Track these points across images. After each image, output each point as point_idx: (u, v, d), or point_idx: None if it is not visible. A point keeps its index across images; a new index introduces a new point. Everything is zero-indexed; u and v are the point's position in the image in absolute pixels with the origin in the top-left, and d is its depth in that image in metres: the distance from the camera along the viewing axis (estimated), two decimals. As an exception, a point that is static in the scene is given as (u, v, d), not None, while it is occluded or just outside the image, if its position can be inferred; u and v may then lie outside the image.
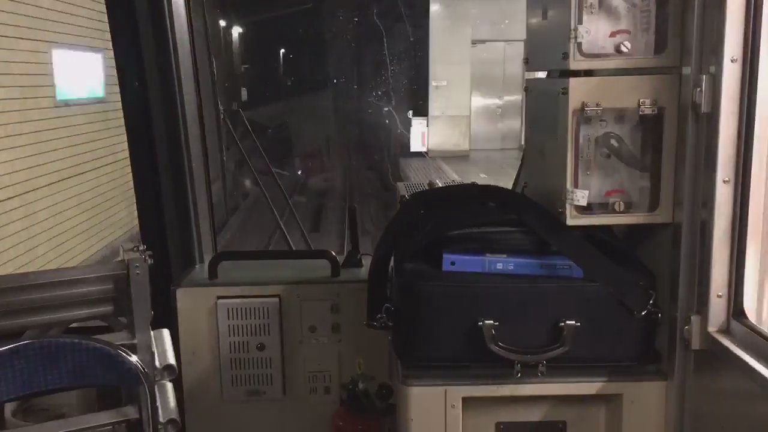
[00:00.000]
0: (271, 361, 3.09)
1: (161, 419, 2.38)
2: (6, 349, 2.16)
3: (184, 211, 3.36)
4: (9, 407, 2.69)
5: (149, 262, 2.47)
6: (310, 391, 3.14)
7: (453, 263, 2.30)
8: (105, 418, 2.35)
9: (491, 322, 2.20)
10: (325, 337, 3.09)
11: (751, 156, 1.92)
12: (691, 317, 2.07)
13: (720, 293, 2.00)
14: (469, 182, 3.09)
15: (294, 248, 4.59)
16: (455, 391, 2.25)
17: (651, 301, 2.20)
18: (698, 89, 1.98)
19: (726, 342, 1.97)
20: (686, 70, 2.06)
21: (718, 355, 1.99)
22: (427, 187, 3.25)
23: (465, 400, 2.26)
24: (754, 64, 1.89)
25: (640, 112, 2.14)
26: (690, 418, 2.16)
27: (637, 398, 2.25)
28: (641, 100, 2.12)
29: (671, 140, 2.14)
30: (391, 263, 2.50)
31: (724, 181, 1.96)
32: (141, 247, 2.50)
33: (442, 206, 2.59)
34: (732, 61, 1.90)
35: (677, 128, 2.12)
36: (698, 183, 2.05)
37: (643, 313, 2.20)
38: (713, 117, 1.96)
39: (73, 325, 2.60)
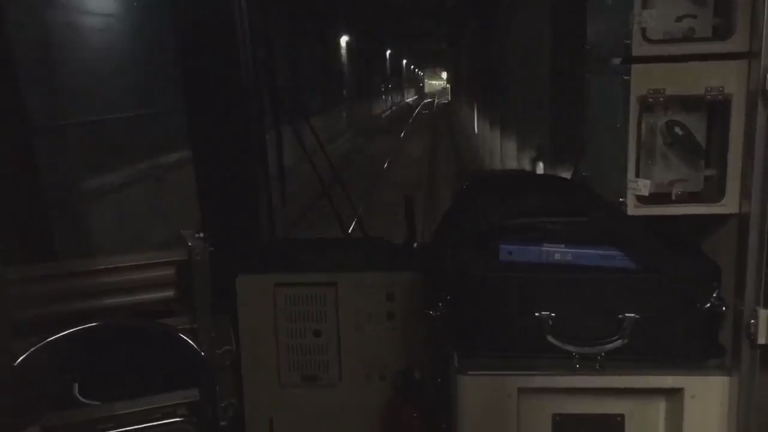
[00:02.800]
0: (327, 348, 3.12)
1: (220, 402, 2.43)
2: (74, 331, 2.24)
3: (246, 199, 3.41)
4: (77, 387, 2.79)
5: (210, 248, 2.51)
6: (365, 378, 3.16)
7: (510, 253, 2.28)
8: (167, 399, 2.42)
9: (549, 313, 2.18)
10: (380, 325, 3.10)
11: None
12: (758, 311, 2.01)
13: None
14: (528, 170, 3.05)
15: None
16: (511, 381, 2.23)
17: (715, 294, 2.14)
18: None
19: None
20: (756, 56, 1.98)
21: None
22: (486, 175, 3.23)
23: (521, 390, 2.24)
24: None
25: (706, 99, 2.08)
26: (755, 414, 2.10)
27: (700, 393, 2.19)
28: (708, 87, 2.06)
29: (739, 128, 2.07)
30: (449, 252, 2.49)
31: None
32: (203, 234, 2.55)
33: (500, 194, 2.56)
34: None
35: (745, 116, 2.05)
36: (767, 173, 1.98)
37: (706, 306, 2.15)
38: None
39: (138, 309, 2.67)
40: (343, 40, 29.03)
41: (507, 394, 2.23)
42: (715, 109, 2.11)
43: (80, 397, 2.53)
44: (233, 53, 3.23)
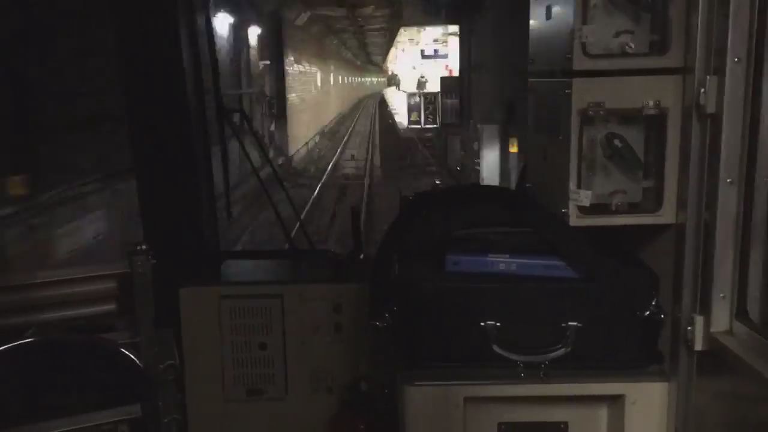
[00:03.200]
0: (273, 361, 3.09)
1: (164, 418, 2.38)
2: (10, 347, 2.17)
3: (188, 211, 3.36)
4: (13, 405, 2.70)
5: (152, 261, 2.47)
6: (312, 391, 3.14)
7: (456, 263, 2.30)
8: (108, 416, 2.36)
9: (494, 322, 2.20)
10: (327, 337, 3.09)
11: (756, 157, 1.92)
12: (695, 318, 2.07)
13: (723, 294, 2.00)
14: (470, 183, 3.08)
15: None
16: (458, 390, 2.25)
17: (654, 302, 2.20)
18: (703, 90, 1.98)
19: (729, 343, 1.97)
20: (690, 71, 2.05)
21: (721, 357, 1.98)
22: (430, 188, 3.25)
23: (467, 399, 2.25)
24: (759, 64, 1.89)
25: (644, 113, 2.14)
26: (693, 419, 2.16)
27: (640, 399, 2.24)
28: (645, 101, 2.12)
29: (675, 141, 2.13)
30: (394, 263, 2.49)
31: (729, 182, 1.95)
32: (144, 247, 2.50)
33: (445, 206, 2.59)
34: (736, 61, 1.90)
35: (681, 129, 2.12)
36: (702, 184, 2.04)
37: (645, 314, 2.20)
38: (718, 117, 1.96)
39: (77, 323, 2.60)
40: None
41: (454, 403, 2.24)
42: (653, 122, 2.17)
43: (16, 416, 2.44)
44: (175, 60, 3.19)
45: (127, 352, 2.26)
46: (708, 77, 1.97)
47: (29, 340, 2.25)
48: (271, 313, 3.05)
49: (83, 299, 2.45)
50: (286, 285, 3.08)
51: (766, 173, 1.92)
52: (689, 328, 2.09)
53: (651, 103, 2.12)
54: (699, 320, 2.06)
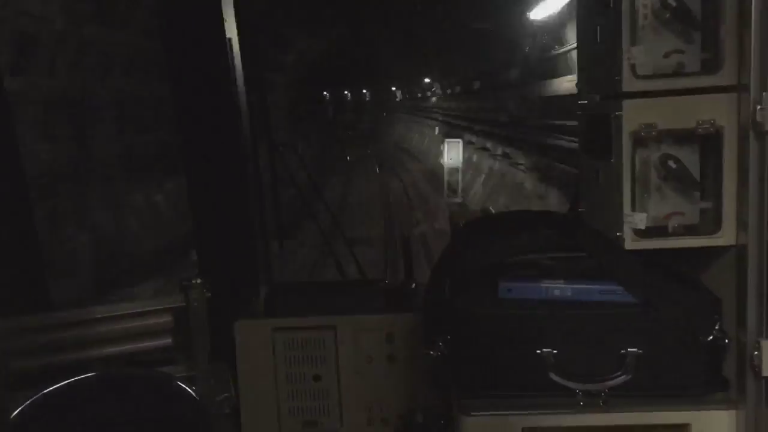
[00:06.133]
0: (327, 392, 3.09)
1: (221, 451, 2.39)
2: (70, 382, 2.21)
3: (242, 244, 3.40)
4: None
5: (208, 295, 2.50)
6: (367, 422, 3.12)
7: (510, 290, 2.27)
8: (166, 449, 2.37)
9: (550, 350, 2.16)
10: (381, 368, 3.07)
11: None
12: (761, 343, 1.99)
13: None
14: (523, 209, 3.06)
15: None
16: (515, 420, 2.20)
17: (717, 327, 2.13)
18: (759, 107, 1.93)
19: None
20: (745, 88, 2.01)
21: None
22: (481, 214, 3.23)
23: (525, 430, 2.21)
24: None
25: (698, 132, 2.09)
26: None
27: (706, 428, 2.17)
28: (699, 120, 2.08)
29: (732, 160, 2.08)
30: (447, 291, 2.48)
31: None
32: (199, 280, 2.54)
33: (497, 232, 2.56)
34: None
35: (738, 148, 2.06)
36: (763, 203, 1.98)
37: (708, 339, 2.13)
38: None
39: (135, 358, 2.64)
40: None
41: None
42: (708, 142, 2.12)
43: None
44: (230, 102, 3.27)
45: (183, 386, 2.28)
46: (764, 94, 1.92)
47: (88, 375, 2.29)
48: (324, 344, 3.06)
49: (141, 333, 2.50)
50: (338, 316, 3.09)
51: None
52: (756, 353, 2.01)
53: (705, 122, 2.08)
54: (766, 344, 1.98)
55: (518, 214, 2.80)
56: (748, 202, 2.02)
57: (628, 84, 2.08)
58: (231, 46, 3.28)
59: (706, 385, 2.18)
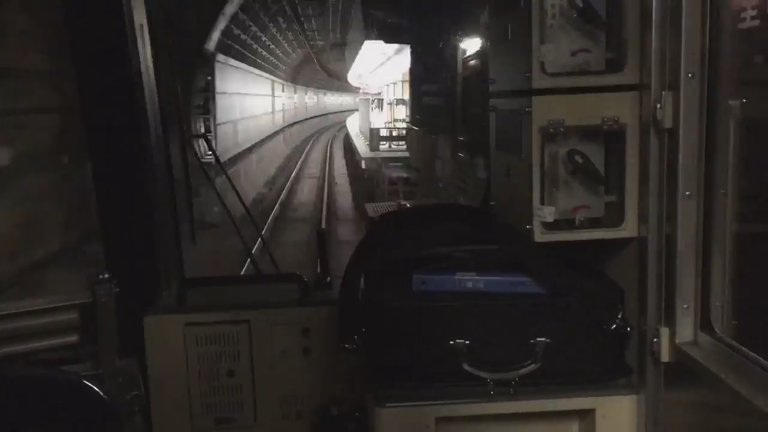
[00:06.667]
0: (241, 388, 3.04)
1: (130, 451, 2.33)
2: (-33, 383, 2.11)
3: (150, 238, 3.31)
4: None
5: (115, 290, 2.42)
6: (282, 417, 3.09)
7: (423, 282, 2.30)
8: (72, 451, 2.29)
9: (463, 340, 2.20)
10: (296, 362, 3.05)
11: (713, 170, 1.96)
12: (660, 330, 2.09)
13: (687, 305, 2.03)
14: (435, 201, 3.10)
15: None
16: (429, 411, 2.24)
17: (619, 315, 2.22)
18: (658, 105, 2.02)
19: (695, 354, 1.99)
20: (646, 87, 2.10)
21: (687, 368, 2.01)
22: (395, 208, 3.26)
23: (438, 420, 2.24)
24: (712, 79, 1.94)
25: (603, 129, 2.17)
26: (662, 431, 2.18)
27: (610, 413, 2.26)
28: (604, 117, 2.16)
29: (634, 156, 2.17)
30: (361, 285, 2.49)
31: (687, 195, 1.99)
32: (107, 275, 2.46)
33: (411, 226, 2.59)
34: (690, 76, 1.95)
35: (639, 144, 2.15)
36: (662, 198, 2.08)
37: (612, 327, 2.22)
38: (674, 132, 2.00)
39: (39, 356, 2.53)
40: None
41: (425, 424, 2.23)
42: (612, 138, 2.21)
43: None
44: (135, 92, 3.17)
45: (90, 384, 2.20)
46: (663, 93, 2.01)
47: (-12, 375, 2.18)
48: (238, 339, 3.01)
49: (44, 331, 2.40)
50: (252, 310, 3.05)
51: (723, 186, 1.96)
52: (655, 340, 2.11)
53: (609, 119, 2.16)
54: (664, 332, 2.09)
55: (432, 208, 2.84)
56: (649, 196, 2.11)
57: (538, 81, 2.14)
58: (141, 32, 3.18)
59: (610, 372, 2.28)
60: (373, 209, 3.35)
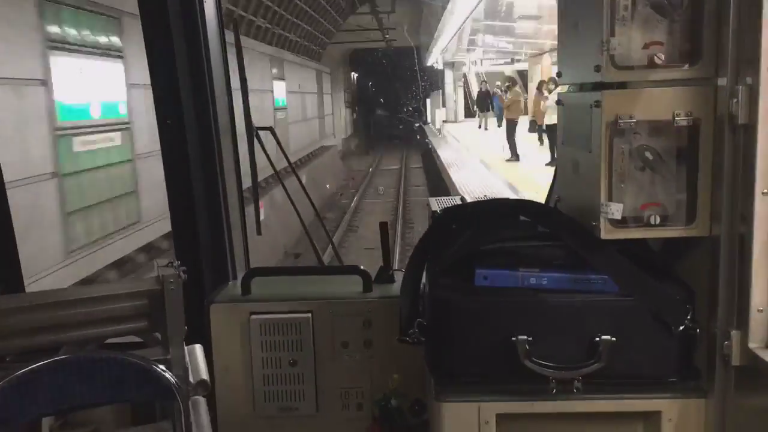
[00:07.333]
0: (303, 377, 3.09)
1: (195, 435, 2.38)
2: (43, 364, 2.19)
3: (218, 228, 3.38)
4: (47, 422, 2.73)
5: (183, 278, 2.48)
6: (342, 408, 3.12)
7: (486, 278, 2.28)
8: (139, 433, 2.37)
9: (525, 337, 2.18)
10: (357, 353, 3.08)
11: None
12: (731, 333, 2.03)
13: (761, 308, 1.96)
14: (501, 197, 3.07)
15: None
16: (489, 407, 2.22)
17: (689, 316, 2.16)
18: (735, 100, 1.95)
19: (767, 357, 1.92)
20: (722, 81, 2.03)
21: (760, 372, 1.94)
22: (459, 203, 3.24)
23: (499, 416, 2.23)
24: None
25: (675, 124, 2.11)
26: None
27: (676, 416, 2.20)
28: (676, 112, 2.09)
29: (707, 152, 2.10)
30: (424, 279, 2.48)
31: (763, 193, 1.92)
32: (175, 263, 2.52)
33: (475, 221, 2.57)
34: None
35: (713, 140, 2.08)
36: (736, 195, 2.01)
37: (680, 329, 2.16)
38: (751, 128, 1.93)
39: (109, 340, 2.62)
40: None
41: (485, 420, 2.22)
42: (684, 134, 2.14)
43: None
44: (207, 83, 3.23)
45: (158, 369, 2.27)
46: (740, 87, 1.94)
47: (61, 357, 2.27)
48: (300, 329, 3.05)
49: (115, 317, 2.48)
50: (315, 301, 3.08)
51: None
52: (726, 342, 2.05)
53: (682, 114, 2.09)
54: (736, 335, 2.02)
55: (496, 203, 2.81)
56: (722, 194, 2.04)
57: (608, 74, 2.09)
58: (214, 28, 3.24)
59: (678, 374, 2.21)
60: (436, 203, 3.33)
